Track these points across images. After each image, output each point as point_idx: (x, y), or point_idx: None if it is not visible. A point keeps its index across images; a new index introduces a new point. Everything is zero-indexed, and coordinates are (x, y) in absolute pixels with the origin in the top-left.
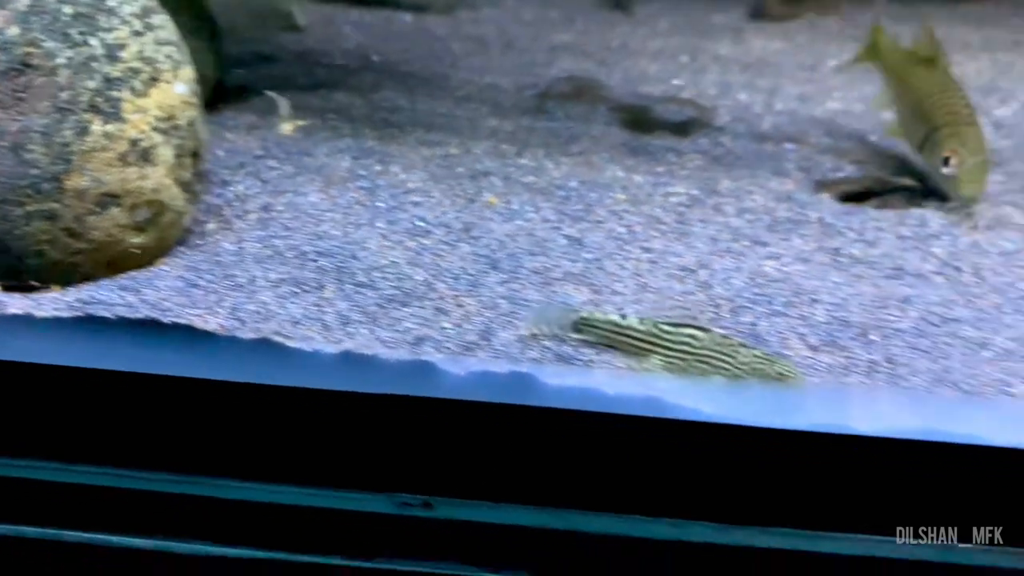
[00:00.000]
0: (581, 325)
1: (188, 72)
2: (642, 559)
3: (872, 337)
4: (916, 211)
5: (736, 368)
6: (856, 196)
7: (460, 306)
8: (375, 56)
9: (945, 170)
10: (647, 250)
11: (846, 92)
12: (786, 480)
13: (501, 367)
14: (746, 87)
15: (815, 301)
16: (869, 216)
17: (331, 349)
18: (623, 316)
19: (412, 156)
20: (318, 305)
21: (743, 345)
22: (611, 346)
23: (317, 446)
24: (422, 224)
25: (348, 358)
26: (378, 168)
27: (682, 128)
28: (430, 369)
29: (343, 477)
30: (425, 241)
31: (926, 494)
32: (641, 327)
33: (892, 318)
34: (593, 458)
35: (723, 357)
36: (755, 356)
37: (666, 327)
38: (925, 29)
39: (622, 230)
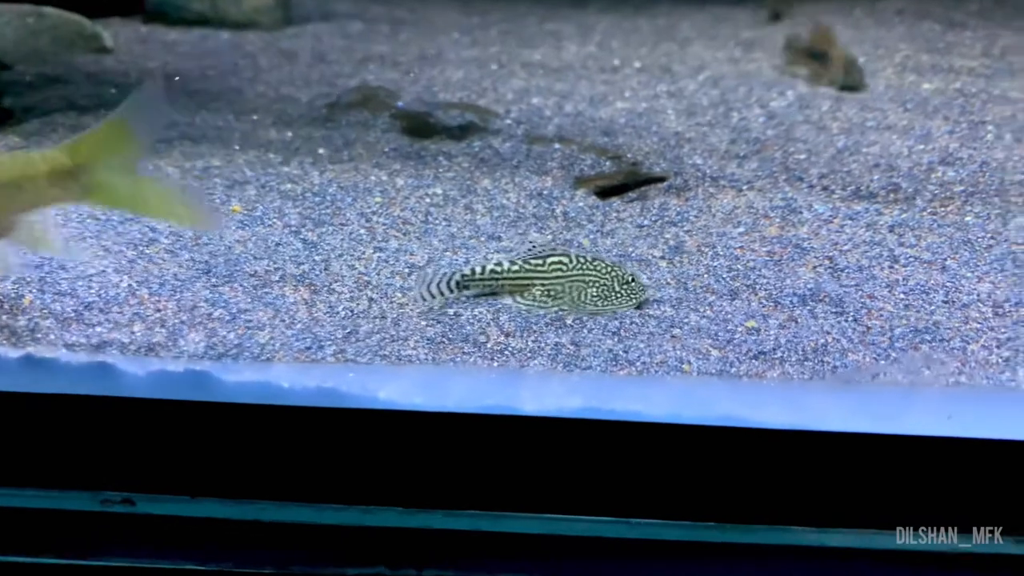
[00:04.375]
0: (465, 282)
1: None
2: (323, 543)
3: (553, 323)
4: (660, 200)
5: (602, 277)
6: (613, 190)
7: (158, 311)
8: (171, 73)
9: None
10: (381, 250)
11: (636, 92)
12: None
13: (179, 366)
14: (542, 91)
15: None
16: (614, 208)
17: (13, 354)
18: (498, 263)
19: (169, 169)
20: (11, 314)
21: (597, 259)
22: (494, 293)
23: (15, 447)
24: (151, 234)
25: (30, 361)
26: None
27: (460, 132)
28: (109, 369)
29: (47, 477)
30: (147, 250)
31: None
32: (515, 267)
33: None
34: (275, 448)
35: (591, 270)
36: (609, 264)
37: (535, 261)
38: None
39: (363, 232)
